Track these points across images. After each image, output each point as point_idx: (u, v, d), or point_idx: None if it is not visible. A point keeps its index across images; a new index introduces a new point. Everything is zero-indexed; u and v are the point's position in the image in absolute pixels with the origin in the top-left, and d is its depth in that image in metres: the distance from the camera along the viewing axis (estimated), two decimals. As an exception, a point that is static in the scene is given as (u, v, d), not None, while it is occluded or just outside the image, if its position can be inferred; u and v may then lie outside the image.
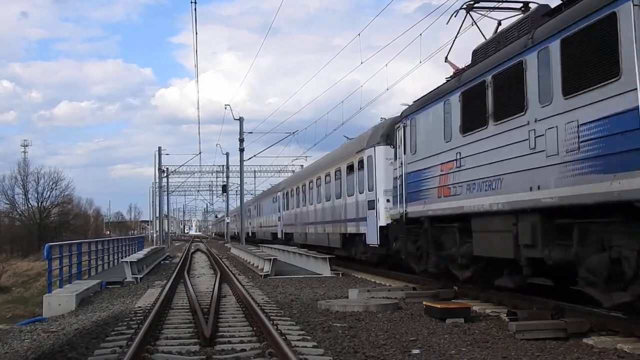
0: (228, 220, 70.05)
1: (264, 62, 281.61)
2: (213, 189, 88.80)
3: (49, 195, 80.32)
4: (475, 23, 13.53)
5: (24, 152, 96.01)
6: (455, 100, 12.24)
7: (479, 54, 12.23)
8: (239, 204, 53.71)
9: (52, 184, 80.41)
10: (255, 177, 78.57)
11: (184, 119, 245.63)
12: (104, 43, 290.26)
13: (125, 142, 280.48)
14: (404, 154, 14.91)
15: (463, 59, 13.13)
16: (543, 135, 9.16)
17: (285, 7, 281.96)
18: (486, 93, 10.98)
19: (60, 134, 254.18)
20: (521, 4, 12.50)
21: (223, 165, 67.39)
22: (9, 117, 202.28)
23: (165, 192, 71.45)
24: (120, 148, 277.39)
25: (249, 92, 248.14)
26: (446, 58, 13.89)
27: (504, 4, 12.85)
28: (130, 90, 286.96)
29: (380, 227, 18.01)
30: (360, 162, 20.25)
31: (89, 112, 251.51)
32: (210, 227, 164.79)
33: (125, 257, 26.28)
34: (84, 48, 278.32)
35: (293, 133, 44.11)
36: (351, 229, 21.36)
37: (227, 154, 63.52)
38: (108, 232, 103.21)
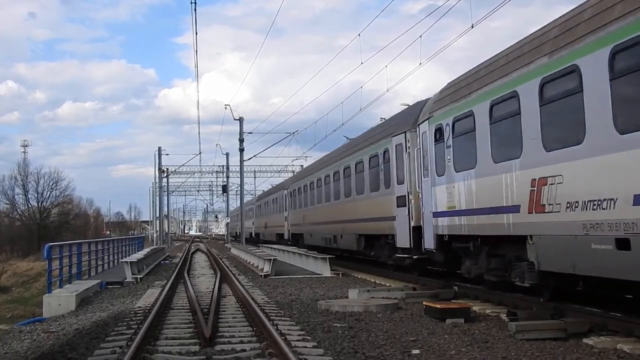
0: (228, 220, 70.10)
1: (267, 63, 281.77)
2: (213, 189, 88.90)
3: (49, 196, 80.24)
4: None
5: (24, 152, 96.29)
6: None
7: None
8: (238, 204, 53.89)
9: (52, 184, 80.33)
10: (255, 177, 78.68)
11: (186, 119, 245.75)
12: (108, 43, 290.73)
13: (127, 143, 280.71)
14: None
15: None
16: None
17: (290, 8, 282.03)
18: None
19: (63, 134, 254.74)
20: None
21: (223, 166, 67.37)
22: (12, 117, 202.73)
23: (166, 192, 71.48)
24: (122, 148, 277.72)
25: (252, 92, 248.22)
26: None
27: None
28: (133, 91, 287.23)
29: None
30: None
31: (92, 112, 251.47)
32: (212, 227, 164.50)
33: (125, 257, 26.28)
34: (88, 48, 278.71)
35: (293, 133, 44.21)
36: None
37: (227, 154, 63.50)
38: (108, 232, 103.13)
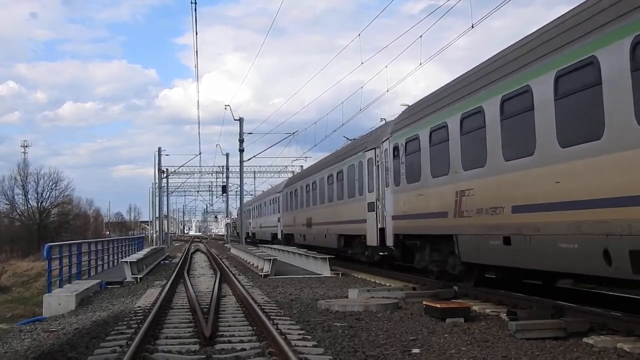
0: (228, 221, 70.14)
1: (268, 63, 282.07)
2: (213, 189, 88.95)
3: (49, 196, 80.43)
4: None
5: (24, 152, 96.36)
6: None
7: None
8: (238, 204, 53.94)
9: (52, 185, 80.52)
10: (255, 178, 78.68)
11: (187, 119, 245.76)
12: (108, 44, 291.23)
13: (128, 143, 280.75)
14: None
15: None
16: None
17: (291, 8, 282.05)
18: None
19: (64, 134, 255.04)
20: None
21: (223, 166, 67.41)
22: (13, 117, 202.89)
23: (165, 193, 71.47)
24: (122, 148, 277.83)
25: (253, 92, 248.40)
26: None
27: None
28: (134, 91, 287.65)
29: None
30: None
31: (92, 112, 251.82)
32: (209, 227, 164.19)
33: (125, 257, 26.27)
34: (89, 49, 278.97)
35: (293, 133, 44.14)
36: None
37: (227, 155, 63.59)
38: (108, 233, 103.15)
